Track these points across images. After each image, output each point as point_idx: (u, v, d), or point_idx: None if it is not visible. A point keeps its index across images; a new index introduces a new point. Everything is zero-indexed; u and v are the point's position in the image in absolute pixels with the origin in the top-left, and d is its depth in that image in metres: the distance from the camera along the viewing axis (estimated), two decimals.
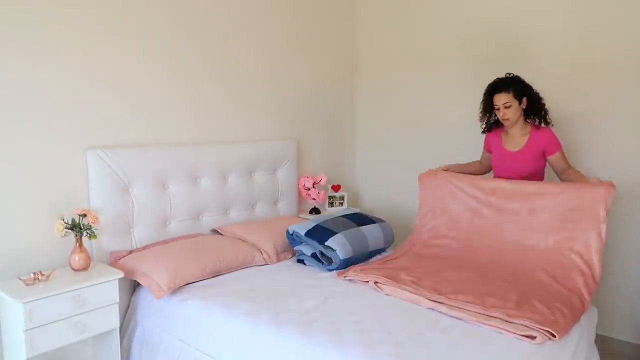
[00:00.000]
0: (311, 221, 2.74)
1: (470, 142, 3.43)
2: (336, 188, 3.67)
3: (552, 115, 2.66)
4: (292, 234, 2.71)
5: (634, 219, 2.84)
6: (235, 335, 1.96)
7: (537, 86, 2.60)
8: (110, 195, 2.43)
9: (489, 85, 2.65)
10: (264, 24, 3.24)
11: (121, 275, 2.20)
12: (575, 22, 2.94)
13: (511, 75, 2.63)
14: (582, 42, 2.92)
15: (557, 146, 2.56)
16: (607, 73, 2.85)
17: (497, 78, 2.64)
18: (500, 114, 2.60)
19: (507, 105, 2.55)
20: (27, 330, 1.91)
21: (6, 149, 2.14)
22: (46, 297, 1.95)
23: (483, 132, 2.81)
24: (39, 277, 2.05)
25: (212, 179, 2.89)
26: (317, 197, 3.38)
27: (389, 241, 2.88)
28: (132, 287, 2.49)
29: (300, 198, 3.53)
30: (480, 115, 2.75)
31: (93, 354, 2.40)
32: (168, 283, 2.23)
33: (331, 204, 3.63)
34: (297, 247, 2.71)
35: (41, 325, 1.95)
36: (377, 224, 2.84)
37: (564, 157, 2.57)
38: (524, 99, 2.57)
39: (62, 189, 2.32)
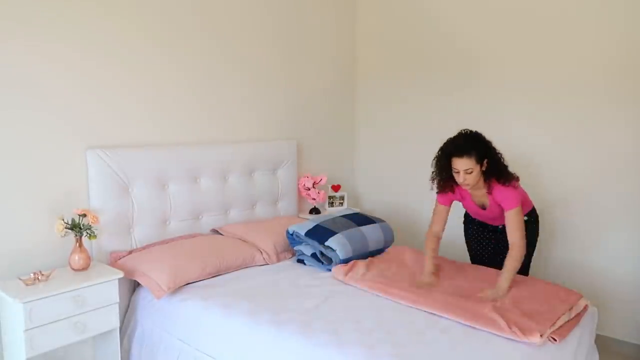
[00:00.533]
0: (311, 221, 2.74)
1: None
2: (336, 188, 3.67)
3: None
4: (292, 234, 2.71)
5: (634, 220, 2.84)
6: (235, 335, 1.96)
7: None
8: (110, 195, 2.43)
9: (447, 144, 2.39)
10: (264, 24, 3.24)
11: (121, 275, 2.20)
12: (573, 19, 2.94)
13: (471, 134, 2.39)
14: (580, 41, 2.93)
15: (510, 204, 2.32)
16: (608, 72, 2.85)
17: (456, 137, 2.40)
18: (459, 179, 2.34)
19: (468, 172, 2.30)
20: (27, 330, 1.91)
21: (6, 149, 2.14)
22: (46, 297, 1.95)
23: (438, 192, 2.52)
24: (39, 277, 2.05)
25: (212, 179, 2.89)
26: (317, 197, 3.38)
27: (389, 241, 2.87)
28: (132, 287, 2.49)
29: (300, 198, 3.53)
30: (434, 174, 2.47)
31: (93, 354, 2.40)
32: (168, 283, 2.23)
33: (331, 204, 3.63)
34: (297, 247, 2.71)
35: (41, 325, 1.95)
36: (377, 224, 2.84)
37: (512, 219, 2.31)
38: (485, 161, 2.34)
39: (62, 189, 2.32)
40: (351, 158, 4.09)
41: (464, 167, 2.30)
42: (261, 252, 2.68)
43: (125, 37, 2.52)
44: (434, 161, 2.46)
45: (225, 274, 2.48)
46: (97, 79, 2.43)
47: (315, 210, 3.51)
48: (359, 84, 4.01)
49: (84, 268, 2.20)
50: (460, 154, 2.30)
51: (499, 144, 3.23)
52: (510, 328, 1.81)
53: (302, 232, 2.65)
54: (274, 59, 3.33)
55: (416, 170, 3.72)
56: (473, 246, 2.80)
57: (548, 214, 3.12)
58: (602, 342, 2.70)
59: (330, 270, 2.52)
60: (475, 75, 3.36)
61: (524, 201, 2.51)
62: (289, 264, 2.68)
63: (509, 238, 2.34)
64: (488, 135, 2.99)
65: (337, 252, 2.51)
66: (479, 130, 2.41)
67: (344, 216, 2.85)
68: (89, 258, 2.22)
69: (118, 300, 2.20)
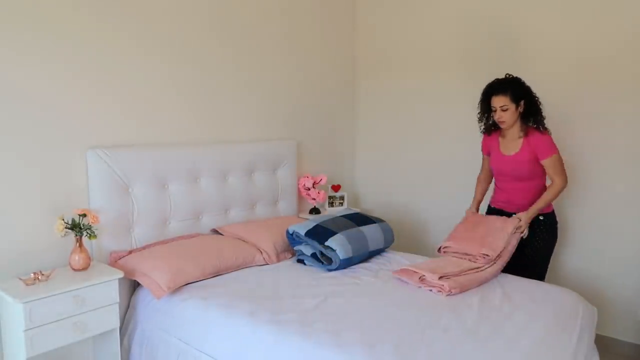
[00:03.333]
0: (311, 221, 2.73)
1: (470, 142, 3.44)
2: (336, 188, 3.67)
3: (554, 115, 2.65)
4: (292, 234, 2.71)
5: (634, 220, 2.84)
6: (235, 335, 1.96)
7: (538, 87, 2.60)
8: (110, 195, 2.43)
9: (487, 85, 2.60)
10: (264, 25, 3.24)
11: (121, 275, 2.20)
12: (573, 19, 2.94)
13: (510, 76, 2.58)
14: (580, 40, 2.92)
15: (547, 153, 2.49)
16: (608, 70, 2.85)
17: (496, 79, 2.59)
18: (496, 117, 2.56)
19: (504, 109, 2.51)
20: (27, 330, 1.91)
21: (6, 149, 2.14)
22: (46, 297, 1.95)
23: (482, 133, 2.79)
24: (39, 277, 2.05)
25: (212, 179, 2.89)
26: (317, 197, 3.38)
27: (389, 241, 2.88)
28: (132, 287, 2.49)
29: (300, 198, 3.53)
30: (479, 116, 2.71)
31: (93, 354, 2.40)
32: (168, 283, 2.23)
33: (331, 204, 3.63)
34: (297, 247, 2.70)
35: (41, 325, 1.95)
36: (377, 224, 2.84)
37: (554, 165, 2.49)
38: (522, 103, 2.51)
39: (62, 189, 2.32)
40: (351, 158, 4.09)
41: (500, 104, 2.51)
42: (261, 252, 2.68)
43: (126, 38, 2.52)
44: (478, 104, 2.68)
45: (225, 274, 2.48)
46: (97, 79, 2.42)
47: (315, 210, 3.51)
48: (359, 84, 4.01)
49: (84, 268, 2.20)
50: (497, 91, 2.52)
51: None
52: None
53: (302, 232, 2.65)
54: (274, 58, 3.33)
55: (416, 171, 3.73)
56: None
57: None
58: (602, 342, 2.70)
59: (330, 270, 2.53)
60: (476, 75, 3.35)
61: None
62: (289, 264, 2.68)
63: (551, 180, 2.54)
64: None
65: (337, 252, 2.51)
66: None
67: (344, 216, 2.85)
68: (89, 258, 2.22)
69: (118, 300, 2.20)
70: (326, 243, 2.54)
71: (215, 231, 2.90)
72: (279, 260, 2.72)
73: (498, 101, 2.52)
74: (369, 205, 4.04)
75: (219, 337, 2.01)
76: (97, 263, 2.32)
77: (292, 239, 2.72)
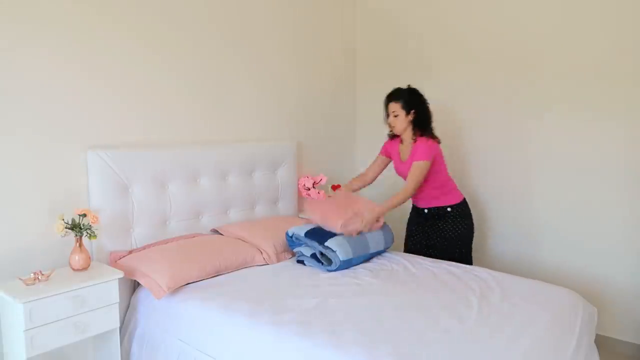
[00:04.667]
0: (311, 223, 2.74)
1: (470, 142, 3.44)
2: (336, 188, 3.67)
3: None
4: (291, 237, 2.71)
5: (634, 219, 2.84)
6: (235, 335, 1.96)
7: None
8: (110, 195, 2.43)
9: (387, 93, 2.85)
10: (263, 24, 3.24)
11: (121, 275, 2.20)
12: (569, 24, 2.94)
13: (408, 87, 2.82)
14: (575, 45, 2.93)
15: (418, 156, 2.70)
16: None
17: (395, 88, 2.84)
18: (388, 121, 2.84)
19: (395, 115, 2.78)
20: (27, 330, 1.91)
21: (6, 148, 2.14)
22: (46, 297, 1.95)
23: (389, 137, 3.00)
24: (39, 277, 2.05)
25: (212, 179, 2.89)
26: (317, 197, 3.38)
27: (390, 242, 2.87)
28: (132, 287, 2.49)
29: (300, 198, 3.53)
30: (384, 119, 2.91)
31: (93, 354, 2.40)
32: (168, 283, 2.23)
33: None
34: (296, 249, 2.70)
35: (41, 325, 1.95)
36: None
37: (415, 171, 2.70)
38: (412, 112, 2.76)
39: (62, 189, 2.32)
40: (351, 158, 4.09)
41: (392, 110, 2.80)
42: (261, 252, 2.68)
43: (125, 37, 2.52)
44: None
45: (225, 274, 2.48)
46: (97, 79, 2.43)
47: None
48: (360, 84, 4.01)
49: (84, 268, 2.20)
50: (390, 98, 2.82)
51: (498, 142, 3.25)
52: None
53: (302, 233, 2.65)
54: (274, 59, 3.33)
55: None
56: (408, 240, 3.06)
57: (548, 216, 3.12)
58: (602, 342, 2.70)
59: (329, 271, 2.53)
60: (476, 75, 3.36)
61: (450, 191, 2.87)
62: (289, 264, 2.68)
63: (404, 184, 2.75)
64: (487, 134, 3.00)
65: (337, 252, 2.51)
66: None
67: None
68: (89, 258, 2.22)
69: (118, 300, 2.20)
70: (326, 244, 2.54)
71: (215, 231, 2.90)
72: (278, 260, 2.72)
73: (391, 107, 2.81)
74: None
75: (219, 337, 2.01)
76: (97, 263, 2.32)
77: (292, 241, 2.72)
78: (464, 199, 2.92)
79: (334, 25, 3.79)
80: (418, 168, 2.69)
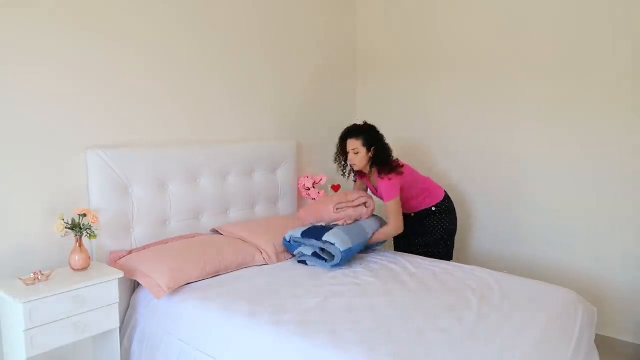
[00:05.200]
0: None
1: (470, 142, 3.44)
2: (336, 188, 3.67)
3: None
4: (289, 241, 2.72)
5: (633, 219, 2.84)
6: (235, 335, 1.96)
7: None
8: (110, 195, 2.43)
9: (344, 129, 2.88)
10: (263, 23, 3.24)
11: (121, 275, 2.20)
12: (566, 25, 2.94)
13: (366, 124, 2.86)
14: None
15: (386, 198, 2.74)
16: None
17: (353, 124, 2.88)
18: (349, 158, 2.83)
19: (355, 152, 2.78)
20: (27, 330, 1.91)
21: (6, 149, 2.14)
22: (46, 297, 1.95)
23: (348, 178, 3.01)
24: (39, 277, 2.05)
25: (212, 179, 2.89)
26: (317, 197, 3.38)
27: (383, 221, 2.90)
28: (132, 287, 2.49)
29: (300, 198, 3.53)
30: (335, 157, 2.96)
31: (93, 354, 2.40)
32: (168, 283, 2.23)
33: None
34: (297, 250, 2.70)
35: (41, 325, 1.95)
36: (373, 216, 2.88)
37: (390, 210, 2.74)
38: (372, 149, 2.78)
39: (62, 189, 2.32)
40: None
41: (352, 147, 2.80)
42: (261, 252, 2.68)
43: (125, 38, 2.52)
44: (337, 146, 2.93)
45: (225, 274, 2.48)
46: (97, 79, 2.43)
47: None
48: (359, 84, 4.01)
49: (84, 268, 2.20)
50: (351, 135, 2.82)
51: (497, 143, 3.25)
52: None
53: (298, 234, 2.66)
54: (274, 58, 3.33)
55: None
56: (400, 240, 3.10)
57: (548, 216, 3.12)
58: (602, 342, 2.70)
59: (333, 266, 2.52)
60: (476, 74, 3.36)
61: (431, 193, 2.95)
62: (289, 264, 2.68)
63: (388, 221, 2.77)
64: (486, 134, 3.00)
65: (336, 244, 2.49)
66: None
67: None
68: (89, 258, 2.22)
69: (118, 300, 2.20)
70: (324, 238, 2.54)
71: (215, 231, 2.90)
72: (279, 260, 2.72)
73: (350, 144, 2.80)
74: None
75: (219, 337, 2.01)
76: (97, 263, 2.32)
77: (290, 245, 2.72)
78: (446, 193, 3.01)
79: (334, 25, 3.79)
80: (392, 206, 2.74)
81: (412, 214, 2.98)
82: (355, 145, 2.78)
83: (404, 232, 2.85)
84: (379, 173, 2.77)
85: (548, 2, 3.02)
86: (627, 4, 2.74)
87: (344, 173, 2.99)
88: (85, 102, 2.39)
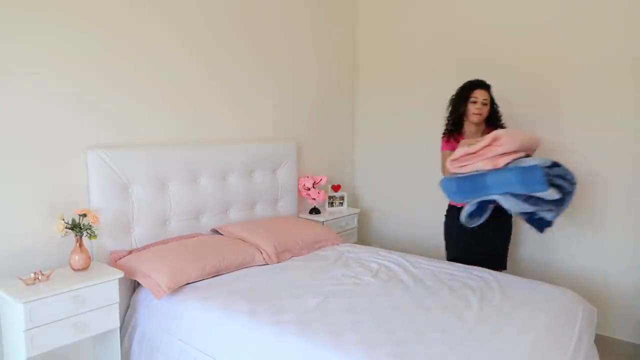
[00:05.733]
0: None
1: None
2: (336, 188, 3.67)
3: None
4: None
5: (633, 219, 2.84)
6: (235, 335, 1.96)
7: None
8: (110, 195, 2.43)
9: (469, 81, 2.77)
10: (264, 24, 3.24)
11: (121, 275, 2.20)
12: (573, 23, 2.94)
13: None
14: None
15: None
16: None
17: (477, 78, 2.77)
18: (475, 108, 2.69)
19: (484, 102, 2.70)
20: (27, 330, 1.91)
21: (6, 149, 2.14)
22: (46, 297, 1.95)
23: (446, 133, 2.80)
24: (39, 277, 2.05)
25: (212, 179, 2.89)
26: (317, 197, 3.38)
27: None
28: (132, 287, 2.49)
29: (300, 198, 3.53)
30: (452, 106, 2.79)
31: (93, 354, 2.40)
32: (168, 283, 2.23)
33: (331, 204, 3.64)
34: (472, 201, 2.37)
35: (41, 325, 1.95)
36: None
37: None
38: (493, 106, 2.75)
39: (62, 189, 2.32)
40: (351, 158, 4.09)
41: (483, 97, 2.69)
42: (261, 252, 2.68)
43: (125, 37, 2.52)
44: (451, 99, 2.80)
45: (225, 274, 2.48)
46: (97, 79, 2.42)
47: (315, 210, 3.51)
48: (359, 85, 4.01)
49: (84, 268, 2.20)
50: (482, 86, 2.72)
51: None
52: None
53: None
54: (274, 59, 3.34)
55: (416, 170, 3.72)
56: (451, 244, 2.88)
57: None
58: (602, 342, 2.70)
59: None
60: (476, 75, 3.35)
61: None
62: (289, 264, 2.68)
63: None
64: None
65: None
66: None
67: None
68: (89, 258, 2.22)
69: (118, 300, 2.20)
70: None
71: (215, 231, 2.90)
72: (279, 260, 2.72)
73: (482, 94, 2.70)
74: (369, 204, 4.04)
75: (219, 337, 2.02)
76: (97, 263, 2.32)
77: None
78: None
79: (334, 25, 3.79)
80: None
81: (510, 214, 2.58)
82: (485, 96, 2.70)
83: (474, 241, 2.69)
84: (486, 128, 2.71)
85: (548, 2, 3.02)
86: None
87: (450, 128, 2.78)
88: (85, 102, 2.39)
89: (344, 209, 3.67)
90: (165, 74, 2.72)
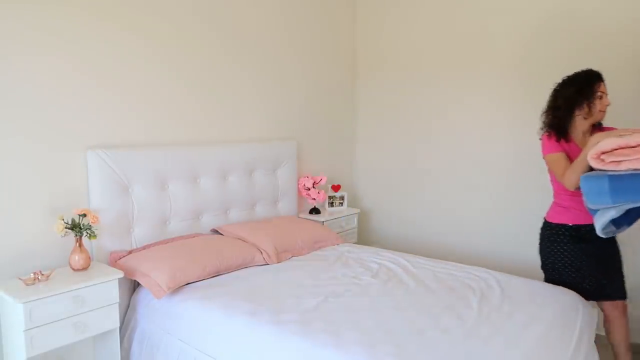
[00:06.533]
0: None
1: (470, 142, 3.44)
2: (336, 188, 3.67)
3: None
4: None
5: None
6: (235, 335, 1.96)
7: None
8: (110, 195, 2.43)
9: (590, 71, 2.28)
10: (263, 24, 3.24)
11: (121, 275, 2.20)
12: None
13: None
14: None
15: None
16: None
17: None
18: (602, 104, 2.25)
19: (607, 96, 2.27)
20: (27, 330, 1.91)
21: (6, 149, 2.14)
22: (46, 297, 1.95)
23: (553, 132, 2.31)
24: (39, 277, 2.05)
25: (212, 179, 2.89)
26: (317, 197, 3.38)
27: None
28: (132, 287, 2.49)
29: (300, 198, 3.53)
30: (565, 104, 2.28)
31: (93, 354, 2.40)
32: (168, 283, 2.23)
33: (331, 204, 3.64)
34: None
35: (41, 325, 1.95)
36: None
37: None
38: None
39: (62, 189, 2.32)
40: (351, 158, 4.09)
41: (607, 92, 2.25)
42: (261, 252, 2.68)
43: (125, 37, 2.52)
44: (565, 94, 2.28)
45: (225, 274, 2.48)
46: (97, 79, 2.43)
47: (315, 210, 3.51)
48: (359, 84, 4.01)
49: (84, 268, 2.20)
50: (602, 78, 2.26)
51: (499, 144, 3.24)
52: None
53: None
54: (274, 58, 3.34)
55: (416, 170, 3.73)
56: (561, 269, 2.40)
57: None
58: (602, 342, 2.70)
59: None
60: (476, 75, 3.36)
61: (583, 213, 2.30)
62: (289, 264, 2.68)
63: None
64: (483, 134, 2.97)
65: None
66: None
67: None
68: (89, 258, 2.22)
69: (118, 300, 2.20)
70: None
71: (215, 231, 2.90)
72: (279, 260, 2.72)
73: (603, 88, 2.26)
74: (369, 205, 4.04)
75: (219, 337, 2.02)
76: (97, 263, 2.32)
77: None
78: None
79: (334, 25, 3.79)
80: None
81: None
82: (605, 90, 2.25)
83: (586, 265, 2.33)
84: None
85: (548, 1, 3.02)
86: None
87: (560, 127, 2.29)
88: (85, 102, 2.39)
89: (344, 209, 3.67)
90: (166, 75, 2.72)
